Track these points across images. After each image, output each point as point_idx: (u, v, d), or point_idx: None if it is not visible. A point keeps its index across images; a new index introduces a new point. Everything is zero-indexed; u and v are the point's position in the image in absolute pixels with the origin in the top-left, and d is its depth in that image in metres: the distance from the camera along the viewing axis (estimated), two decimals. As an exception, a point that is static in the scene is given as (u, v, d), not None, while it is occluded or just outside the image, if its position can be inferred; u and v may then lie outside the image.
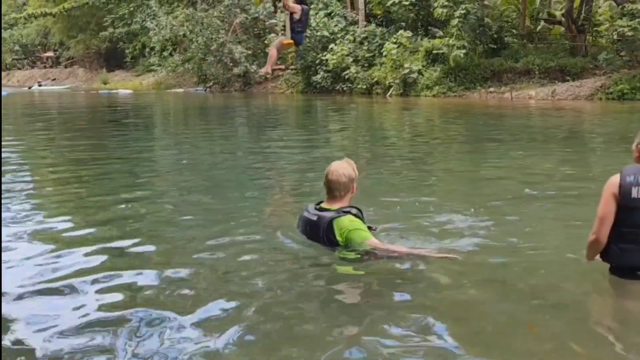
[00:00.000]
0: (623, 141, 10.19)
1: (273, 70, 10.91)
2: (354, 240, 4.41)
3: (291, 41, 9.13)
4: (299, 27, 9.03)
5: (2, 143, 11.81)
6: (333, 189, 4.52)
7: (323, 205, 4.59)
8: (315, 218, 4.50)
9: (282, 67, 35.96)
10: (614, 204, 3.76)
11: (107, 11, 47.70)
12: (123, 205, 6.61)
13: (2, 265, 4.27)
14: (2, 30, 49.13)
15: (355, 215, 4.50)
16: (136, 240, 5.18)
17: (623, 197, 3.73)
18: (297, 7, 9.00)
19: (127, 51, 47.96)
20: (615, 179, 3.79)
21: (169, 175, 9.19)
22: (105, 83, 48.04)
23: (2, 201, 6.43)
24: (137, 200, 6.91)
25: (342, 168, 4.52)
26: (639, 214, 3.73)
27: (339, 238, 4.41)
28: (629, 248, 3.79)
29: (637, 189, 3.71)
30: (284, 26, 9.40)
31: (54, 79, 57.68)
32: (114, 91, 40.86)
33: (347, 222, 4.42)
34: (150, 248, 5.02)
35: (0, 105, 24.17)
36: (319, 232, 4.46)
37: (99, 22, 48.94)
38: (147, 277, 4.27)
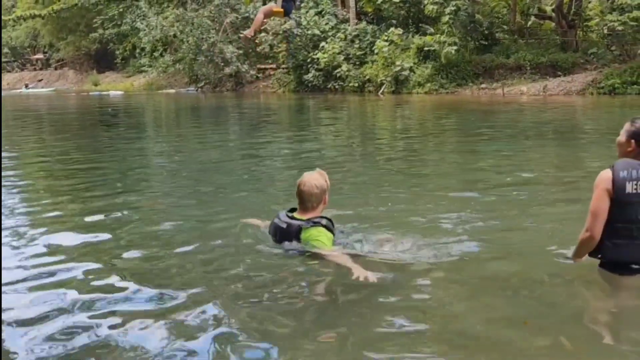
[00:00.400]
0: (614, 135, 10.07)
1: (255, 33, 10.62)
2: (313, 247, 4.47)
3: (281, 10, 8.92)
4: None
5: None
6: (305, 200, 4.56)
7: (295, 214, 4.62)
8: (285, 225, 4.53)
9: (273, 65, 35.97)
10: (607, 199, 3.73)
11: (97, 12, 47.44)
12: (116, 207, 6.55)
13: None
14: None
15: (325, 226, 4.51)
16: (125, 244, 5.17)
17: (617, 193, 3.71)
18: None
19: (117, 52, 47.72)
20: (607, 175, 3.75)
21: (160, 177, 9.11)
22: (95, 84, 47.81)
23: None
24: (128, 204, 6.84)
25: (314, 179, 4.57)
26: (633, 209, 3.71)
27: (307, 240, 4.47)
28: (622, 243, 3.77)
29: (631, 184, 3.69)
30: None
31: (39, 80, 57.35)
32: (105, 93, 40.68)
33: (315, 233, 4.47)
34: (138, 251, 4.99)
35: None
36: (289, 239, 4.51)
37: (88, 23, 48.67)
38: (132, 281, 4.25)
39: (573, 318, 3.61)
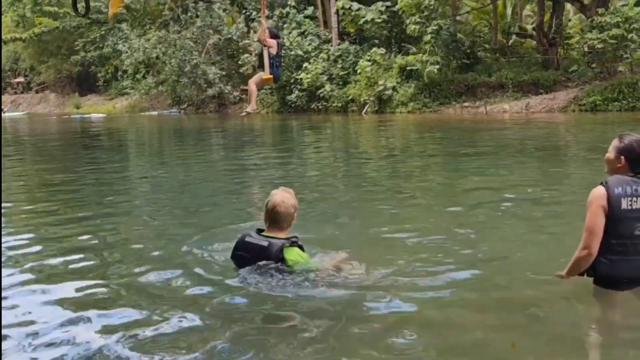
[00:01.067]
0: (596, 151, 10.32)
1: (255, 105, 10.88)
2: (303, 269, 4.49)
3: (271, 76, 9.08)
4: (277, 61, 9.03)
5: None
6: (281, 220, 4.53)
7: (267, 233, 4.55)
8: (266, 244, 4.44)
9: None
10: (603, 216, 3.75)
11: (79, 35, 47.20)
12: (98, 229, 6.50)
13: None
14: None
15: (300, 246, 4.53)
16: (108, 264, 5.17)
17: (612, 209, 3.74)
18: (274, 42, 9.01)
19: (99, 75, 47.41)
20: (601, 191, 3.77)
21: (142, 199, 8.97)
22: (77, 107, 47.43)
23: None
24: (110, 225, 6.78)
25: (288, 199, 4.56)
26: (628, 225, 3.75)
27: (290, 264, 4.43)
28: (617, 259, 3.78)
29: (627, 200, 3.72)
30: (260, 60, 9.34)
31: (11, 102, 56.75)
32: (87, 115, 40.32)
33: (296, 255, 4.46)
34: (120, 271, 4.99)
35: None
36: (270, 258, 4.41)
37: (70, 46, 48.39)
38: (108, 302, 4.23)
39: (564, 338, 3.57)
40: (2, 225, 6.83)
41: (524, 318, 3.83)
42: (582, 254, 3.82)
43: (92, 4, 44.72)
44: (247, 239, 4.56)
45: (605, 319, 3.87)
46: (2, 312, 3.88)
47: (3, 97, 62.40)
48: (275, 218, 4.51)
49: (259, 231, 4.60)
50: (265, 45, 8.87)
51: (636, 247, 3.78)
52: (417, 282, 4.41)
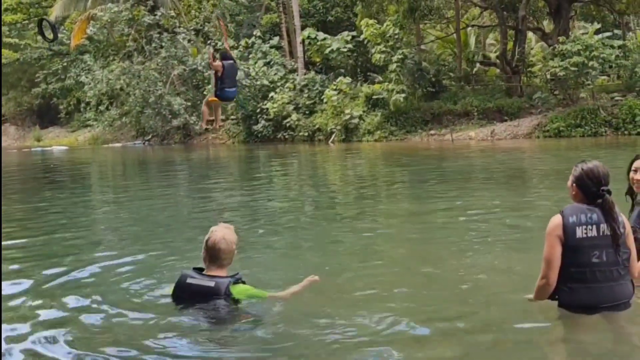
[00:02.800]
0: (560, 176, 10.51)
1: (209, 122, 11.24)
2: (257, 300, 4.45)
3: (215, 98, 9.55)
4: (223, 83, 9.37)
5: None
6: (223, 257, 4.38)
7: (211, 272, 4.37)
8: (212, 284, 4.28)
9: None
10: (559, 246, 3.77)
11: (40, 67, 46.39)
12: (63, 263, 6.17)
13: None
14: None
15: (244, 282, 4.43)
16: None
17: (568, 238, 3.75)
18: (219, 65, 9.36)
19: (61, 107, 46.45)
20: (557, 221, 3.80)
21: (105, 233, 8.62)
22: (38, 140, 46.39)
23: None
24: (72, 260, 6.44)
25: (229, 235, 4.43)
26: (585, 253, 3.76)
27: (240, 298, 4.34)
28: (577, 287, 3.80)
29: (581, 228, 3.75)
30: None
31: None
32: (48, 148, 39.41)
33: (243, 290, 4.35)
34: (81, 309, 4.73)
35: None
36: (218, 297, 4.27)
37: (30, 78, 47.47)
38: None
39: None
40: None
41: (487, 343, 3.87)
42: (541, 283, 3.85)
43: (54, 35, 44.12)
44: (189, 280, 4.34)
45: (566, 341, 3.89)
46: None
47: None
48: (216, 255, 4.33)
49: (199, 270, 4.43)
50: (212, 69, 9.38)
51: (594, 274, 3.77)
52: (372, 308, 4.43)
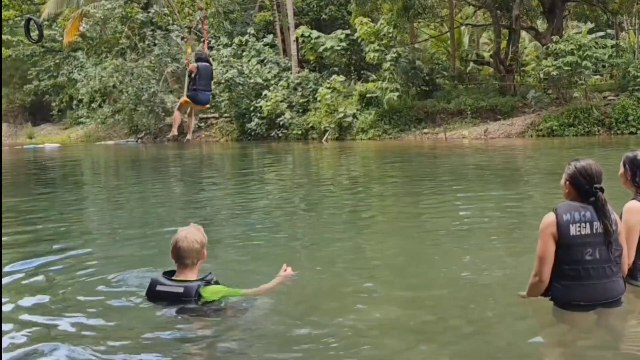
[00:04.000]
0: (553, 175, 10.52)
1: (179, 130, 10.89)
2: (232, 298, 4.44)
3: (187, 99, 9.29)
4: (196, 84, 9.16)
5: None
6: (185, 257, 4.33)
7: (178, 277, 4.34)
8: (181, 290, 4.26)
9: (215, 114, 35.35)
10: (553, 243, 3.81)
11: (32, 64, 46.14)
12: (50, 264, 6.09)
13: None
14: None
15: (217, 282, 4.42)
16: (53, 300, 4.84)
17: (562, 236, 3.79)
18: (193, 66, 9.20)
19: (53, 104, 46.24)
20: (551, 218, 3.83)
21: (96, 232, 8.50)
22: (30, 137, 46.13)
23: None
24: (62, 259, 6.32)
25: (193, 234, 4.39)
26: (578, 251, 3.79)
27: (210, 300, 4.30)
28: (571, 284, 3.83)
29: (575, 226, 3.79)
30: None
31: None
32: (40, 145, 39.17)
33: (213, 291, 4.32)
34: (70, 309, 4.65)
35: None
36: (189, 302, 4.24)
37: (23, 75, 47.23)
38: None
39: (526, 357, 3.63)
40: None
41: (479, 339, 3.88)
42: (534, 280, 3.89)
43: (47, 32, 43.91)
44: (159, 287, 4.33)
45: (559, 338, 3.90)
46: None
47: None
48: (179, 254, 4.31)
49: (169, 274, 4.41)
50: (187, 68, 9.27)
51: (588, 271, 3.81)
52: (363, 307, 4.42)
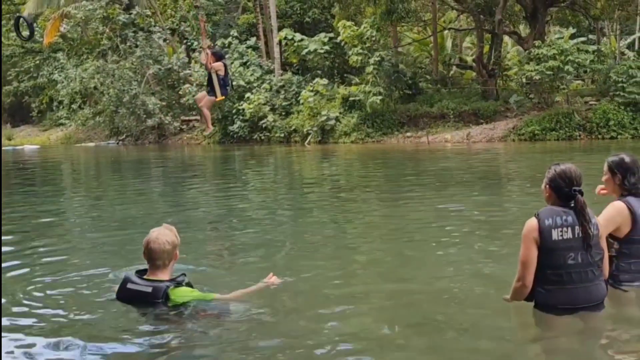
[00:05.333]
0: (534, 179, 10.54)
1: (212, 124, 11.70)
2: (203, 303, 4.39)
3: (223, 97, 9.71)
4: (225, 81, 9.55)
5: None
6: (156, 258, 4.30)
7: (149, 276, 4.31)
8: (150, 289, 4.22)
9: (197, 117, 35.11)
10: (535, 249, 3.82)
11: (12, 64, 45.56)
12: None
13: None
14: None
15: (188, 284, 4.38)
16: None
17: (544, 240, 3.81)
18: (221, 65, 9.42)
19: (33, 105, 45.71)
20: (533, 223, 3.84)
21: (77, 234, 8.39)
22: (9, 139, 45.43)
23: None
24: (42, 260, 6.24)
25: (164, 235, 4.36)
26: (561, 255, 3.81)
27: (179, 302, 4.27)
28: (553, 289, 3.84)
29: (557, 231, 3.80)
30: (209, 84, 9.76)
31: None
32: (19, 147, 38.67)
33: (182, 293, 4.29)
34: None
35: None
36: (156, 302, 4.23)
37: (2, 76, 46.70)
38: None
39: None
40: None
41: (467, 342, 3.87)
42: (517, 285, 3.91)
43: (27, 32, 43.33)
44: (129, 285, 4.30)
45: (543, 341, 3.91)
46: None
47: None
48: (150, 255, 4.32)
49: (141, 273, 4.37)
50: (213, 70, 9.28)
51: (570, 275, 3.84)
52: (346, 310, 4.37)
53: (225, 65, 9.44)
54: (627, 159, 4.31)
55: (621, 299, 4.19)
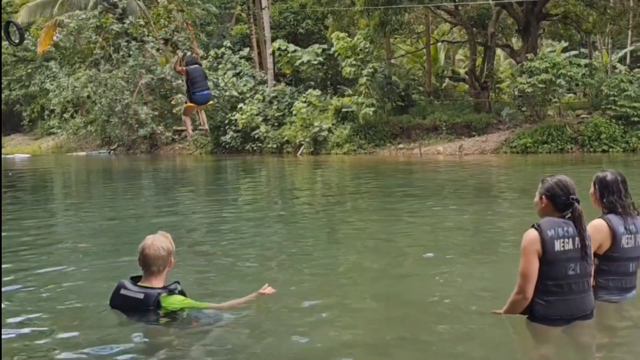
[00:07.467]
0: (527, 192, 10.53)
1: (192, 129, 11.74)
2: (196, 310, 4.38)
3: (191, 104, 9.69)
4: (194, 87, 9.50)
5: None
6: (151, 264, 4.29)
7: (143, 283, 4.30)
8: (142, 296, 4.20)
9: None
10: (537, 260, 3.78)
11: (3, 73, 45.42)
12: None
13: None
14: None
15: (181, 292, 4.35)
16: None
17: (546, 252, 3.77)
18: (182, 70, 9.64)
19: (24, 114, 45.54)
20: (534, 235, 3.80)
21: (67, 244, 8.22)
22: None
23: None
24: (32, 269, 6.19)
25: (160, 242, 4.36)
26: (562, 266, 3.79)
27: (170, 309, 4.26)
28: (554, 300, 3.83)
29: (559, 242, 3.77)
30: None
31: None
32: (10, 156, 38.42)
33: (175, 301, 4.27)
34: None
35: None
36: (147, 309, 4.21)
37: (0, 79, 46.54)
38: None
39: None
40: None
41: (457, 351, 3.84)
42: (517, 298, 3.86)
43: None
44: (122, 291, 4.29)
45: (537, 352, 3.89)
46: None
47: None
48: (145, 261, 4.31)
49: (135, 280, 4.36)
50: (181, 73, 9.58)
51: (570, 286, 3.84)
52: (335, 320, 4.35)
53: (187, 72, 9.48)
54: (609, 177, 4.28)
55: (604, 311, 4.22)
